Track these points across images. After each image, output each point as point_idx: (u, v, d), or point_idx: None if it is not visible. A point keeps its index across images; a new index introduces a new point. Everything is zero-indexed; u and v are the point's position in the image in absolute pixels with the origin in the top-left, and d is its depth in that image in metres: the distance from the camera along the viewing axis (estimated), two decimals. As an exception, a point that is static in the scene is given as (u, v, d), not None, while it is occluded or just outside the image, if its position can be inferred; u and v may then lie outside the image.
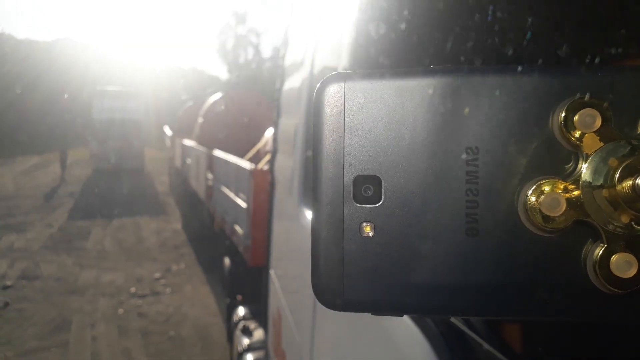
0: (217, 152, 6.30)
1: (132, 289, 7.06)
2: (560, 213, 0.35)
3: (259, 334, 3.88)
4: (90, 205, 12.79)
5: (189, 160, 9.07)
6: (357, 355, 1.12)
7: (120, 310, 6.38)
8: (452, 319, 0.71)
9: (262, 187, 3.77)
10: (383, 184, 0.39)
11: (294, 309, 1.94)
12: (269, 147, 4.37)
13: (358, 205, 0.39)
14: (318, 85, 0.41)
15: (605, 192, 0.34)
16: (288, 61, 2.43)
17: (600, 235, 0.35)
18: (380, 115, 0.39)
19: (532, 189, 0.36)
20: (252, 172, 4.23)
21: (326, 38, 1.69)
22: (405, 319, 0.80)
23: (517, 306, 0.37)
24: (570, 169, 0.36)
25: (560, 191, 0.35)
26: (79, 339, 5.59)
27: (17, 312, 6.18)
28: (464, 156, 0.37)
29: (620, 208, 0.34)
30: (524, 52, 0.54)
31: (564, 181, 0.36)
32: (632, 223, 0.34)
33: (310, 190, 0.42)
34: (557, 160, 0.36)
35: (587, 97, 0.35)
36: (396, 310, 0.40)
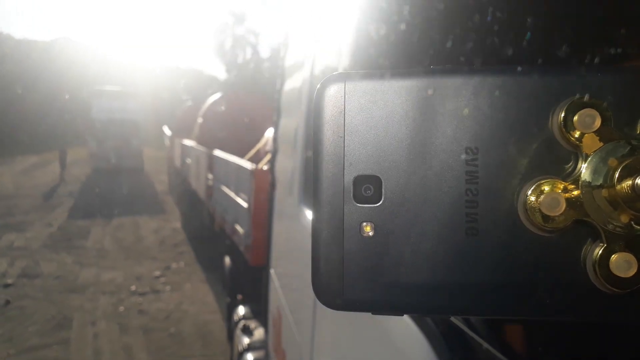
0: (218, 152, 6.30)
1: (132, 287, 7.08)
2: (560, 213, 0.35)
3: (259, 333, 3.88)
4: (89, 205, 12.80)
5: (188, 160, 9.07)
6: (357, 354, 1.12)
7: (121, 308, 6.41)
8: (452, 319, 0.71)
9: (263, 187, 3.77)
10: (383, 183, 0.39)
11: (294, 309, 1.94)
12: (269, 147, 4.37)
13: (358, 205, 0.39)
14: (318, 85, 0.41)
15: (604, 192, 0.34)
16: (288, 61, 2.43)
17: (600, 235, 0.35)
18: (380, 116, 0.39)
19: (532, 188, 0.36)
20: (253, 172, 4.23)
21: (326, 38, 1.69)
22: (405, 318, 0.80)
23: (517, 306, 0.37)
24: (570, 169, 0.36)
25: (560, 191, 0.35)
26: (80, 336, 5.61)
27: (19, 309, 6.21)
28: (463, 156, 0.37)
29: (620, 208, 0.34)
30: (524, 52, 0.54)
31: (564, 181, 0.36)
32: (632, 223, 0.34)
33: (311, 190, 0.42)
34: (556, 160, 0.36)
35: (586, 97, 0.35)
36: (396, 310, 0.40)
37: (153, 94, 24.55)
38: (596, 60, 0.46)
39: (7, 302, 6.40)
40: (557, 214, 0.35)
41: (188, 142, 9.33)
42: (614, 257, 0.34)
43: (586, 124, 0.35)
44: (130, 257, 8.53)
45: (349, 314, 0.41)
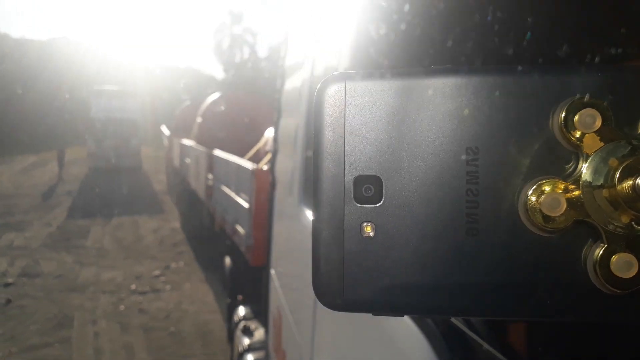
0: (218, 152, 6.30)
1: (132, 286, 7.11)
2: (561, 213, 0.35)
3: (259, 333, 3.88)
4: (88, 204, 12.82)
5: (188, 160, 9.07)
6: (357, 355, 1.12)
7: (121, 307, 6.44)
8: (452, 319, 0.71)
9: (264, 187, 3.77)
10: (384, 184, 0.39)
11: (295, 309, 1.94)
12: (269, 147, 4.37)
13: (359, 205, 0.39)
14: (319, 85, 0.41)
15: (605, 192, 0.34)
16: (288, 61, 2.43)
17: (601, 235, 0.35)
18: (380, 116, 0.39)
19: (533, 189, 0.36)
20: (254, 172, 4.23)
21: (326, 38, 1.69)
22: (405, 319, 0.80)
23: (517, 306, 0.37)
24: (571, 169, 0.36)
25: (560, 191, 0.35)
26: (81, 334, 5.64)
27: (19, 309, 6.23)
28: (464, 156, 0.37)
29: (621, 208, 0.34)
30: (524, 52, 0.54)
31: (564, 181, 0.36)
32: (633, 223, 0.34)
33: (311, 190, 0.41)
34: (557, 160, 0.36)
35: (587, 97, 0.35)
36: (396, 310, 0.40)
37: (151, 94, 24.56)
38: (596, 60, 0.46)
39: (8, 301, 6.43)
40: (557, 214, 0.35)
41: (187, 142, 9.33)
42: (614, 257, 0.34)
43: (587, 124, 0.35)
44: (130, 257, 8.54)
45: (349, 315, 0.41)
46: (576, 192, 0.35)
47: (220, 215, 5.93)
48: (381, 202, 0.39)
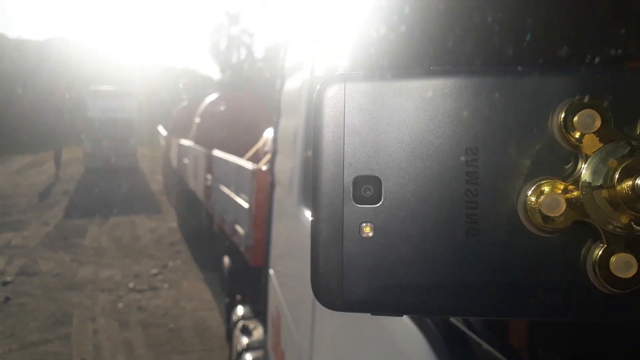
0: (217, 152, 6.30)
1: (131, 284, 7.14)
2: (560, 213, 0.35)
3: (258, 333, 3.88)
4: (85, 204, 12.82)
5: (186, 160, 9.06)
6: (356, 355, 1.12)
7: (120, 305, 6.47)
8: (452, 319, 0.71)
9: (264, 188, 3.77)
10: (383, 184, 0.39)
11: (293, 309, 1.94)
12: (268, 147, 4.37)
13: (358, 205, 0.39)
14: (318, 86, 0.41)
15: (604, 193, 0.34)
16: (288, 62, 2.43)
17: (600, 235, 0.35)
18: (380, 116, 0.39)
19: (532, 189, 0.36)
20: (254, 173, 4.22)
21: (326, 39, 1.69)
22: (405, 319, 0.80)
23: (517, 306, 0.37)
24: (570, 170, 0.36)
25: (560, 191, 0.35)
26: (81, 331, 5.67)
27: (18, 306, 6.27)
28: (463, 157, 0.37)
29: (620, 208, 0.34)
30: (524, 52, 0.54)
31: (564, 182, 0.36)
32: (632, 223, 0.34)
33: (310, 190, 0.41)
34: (556, 160, 0.36)
35: (586, 97, 0.35)
36: (396, 310, 0.40)
37: (147, 94, 24.53)
38: (596, 60, 0.46)
39: (7, 299, 6.46)
40: (557, 214, 0.35)
41: (186, 142, 9.32)
42: (613, 257, 0.34)
43: (586, 125, 0.35)
44: (128, 256, 8.56)
45: (349, 315, 0.41)
46: (575, 193, 0.35)
47: (219, 216, 5.93)
48: (380, 203, 0.39)
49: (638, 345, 0.49)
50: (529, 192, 0.36)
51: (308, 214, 1.63)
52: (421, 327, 0.75)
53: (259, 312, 3.78)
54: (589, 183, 0.35)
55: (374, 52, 1.05)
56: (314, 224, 0.40)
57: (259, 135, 5.96)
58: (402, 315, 0.41)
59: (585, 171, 0.35)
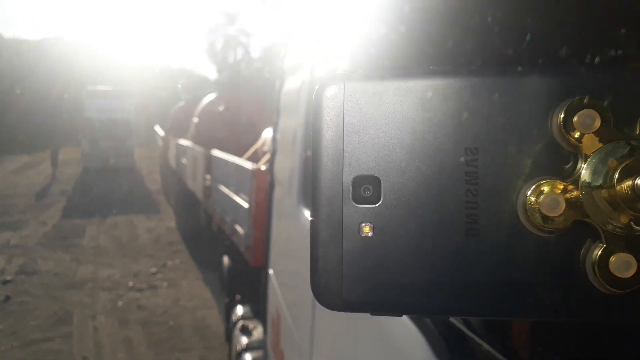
0: (216, 152, 6.30)
1: (130, 283, 7.17)
2: (560, 213, 0.35)
3: (258, 333, 3.88)
4: (83, 204, 12.83)
5: (184, 160, 9.05)
6: (356, 355, 1.12)
7: (120, 303, 6.50)
8: (452, 319, 0.71)
9: (264, 188, 3.77)
10: (382, 184, 0.39)
11: (293, 309, 1.94)
12: (267, 147, 4.37)
13: (357, 205, 0.39)
14: (318, 86, 0.41)
15: (604, 193, 0.34)
16: (288, 62, 2.43)
17: (600, 235, 0.35)
18: (379, 116, 0.39)
19: (532, 189, 0.36)
20: (254, 172, 4.22)
21: (326, 39, 1.69)
22: (405, 319, 0.80)
23: (517, 306, 0.37)
24: (570, 170, 0.36)
25: (559, 191, 0.35)
26: (81, 329, 5.70)
27: (19, 305, 6.30)
28: (463, 157, 0.37)
29: (620, 208, 0.34)
30: (524, 52, 0.54)
31: (563, 182, 0.36)
32: (631, 223, 0.34)
33: (310, 190, 0.41)
34: (556, 160, 0.36)
35: (586, 97, 0.35)
36: (395, 310, 0.40)
37: (144, 94, 24.52)
38: (596, 60, 0.46)
39: (8, 298, 6.49)
40: (556, 214, 0.35)
41: (184, 142, 9.31)
42: (613, 257, 0.34)
43: (586, 125, 0.35)
44: (126, 255, 8.58)
45: (348, 315, 0.41)
46: (575, 193, 0.35)
47: (218, 216, 5.93)
48: (380, 203, 0.39)
49: (638, 345, 0.49)
50: (529, 192, 0.36)
51: (307, 214, 1.63)
52: (421, 327, 0.75)
53: (259, 312, 3.78)
54: (589, 183, 0.35)
55: (374, 52, 1.05)
56: (314, 223, 0.40)
57: (257, 135, 5.96)
58: (401, 315, 0.41)
59: (584, 171, 0.35)
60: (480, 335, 0.65)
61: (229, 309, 4.78)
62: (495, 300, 0.37)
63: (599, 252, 0.35)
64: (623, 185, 0.33)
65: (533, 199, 0.36)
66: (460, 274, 0.37)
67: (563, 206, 0.35)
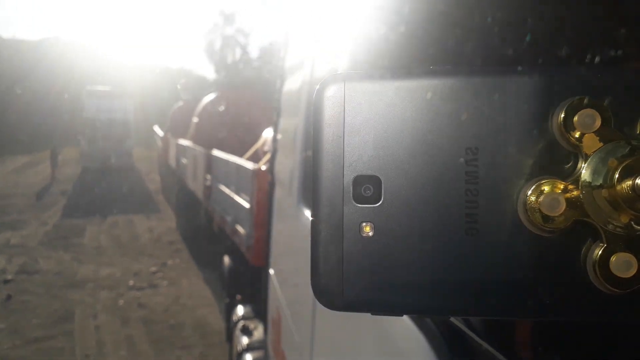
0: (217, 152, 6.30)
1: (130, 282, 7.22)
2: (560, 213, 0.35)
3: (258, 333, 3.88)
4: (83, 203, 12.86)
5: (184, 160, 9.06)
6: (356, 355, 1.12)
7: (121, 302, 6.55)
8: (452, 319, 0.71)
9: (265, 187, 3.76)
10: (383, 184, 0.39)
11: (294, 309, 1.94)
12: (268, 147, 4.37)
13: (358, 205, 0.39)
14: (318, 85, 0.41)
15: (604, 192, 0.34)
16: (288, 62, 2.43)
17: (600, 235, 0.35)
18: (380, 116, 0.39)
19: (532, 189, 0.36)
20: (255, 173, 4.22)
21: (326, 39, 1.69)
22: (405, 319, 0.80)
23: (517, 306, 0.37)
24: (570, 169, 0.36)
25: (560, 191, 0.35)
26: (83, 328, 5.75)
27: (21, 304, 6.35)
28: (463, 156, 0.37)
29: (620, 208, 0.34)
30: (524, 52, 0.54)
31: (564, 181, 0.36)
32: (632, 223, 0.34)
33: (310, 190, 0.41)
34: (556, 160, 0.36)
35: (586, 97, 0.35)
36: (396, 310, 0.40)
37: (142, 94, 24.51)
38: (596, 60, 0.46)
39: (9, 297, 6.53)
40: (557, 214, 0.35)
41: (184, 142, 9.31)
42: (614, 257, 0.34)
43: (586, 124, 0.35)
44: (127, 254, 8.61)
45: (349, 314, 0.41)
46: (575, 192, 0.35)
47: (219, 216, 5.93)
48: (380, 202, 0.39)
49: (638, 345, 0.49)
50: (529, 192, 0.36)
51: (308, 214, 1.63)
52: (421, 327, 0.75)
53: (260, 312, 3.78)
54: (589, 183, 0.35)
55: (374, 52, 1.05)
56: (314, 223, 0.40)
57: (257, 135, 5.96)
58: (402, 315, 0.41)
59: (585, 171, 0.35)
60: (480, 335, 0.65)
61: (230, 309, 4.79)
62: (496, 300, 0.37)
63: (600, 252, 0.35)
64: (623, 185, 0.33)
65: (533, 198, 0.36)
66: (461, 273, 0.37)
67: (563, 206, 0.35)
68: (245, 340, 3.87)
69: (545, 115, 0.36)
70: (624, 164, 0.34)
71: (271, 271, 2.45)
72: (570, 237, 0.36)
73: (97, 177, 17.30)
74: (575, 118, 0.35)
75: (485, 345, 0.63)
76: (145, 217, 11.59)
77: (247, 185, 4.48)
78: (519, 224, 0.36)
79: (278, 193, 2.37)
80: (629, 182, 0.33)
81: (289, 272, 2.10)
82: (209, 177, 6.62)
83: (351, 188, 0.39)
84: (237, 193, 4.94)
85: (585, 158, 0.35)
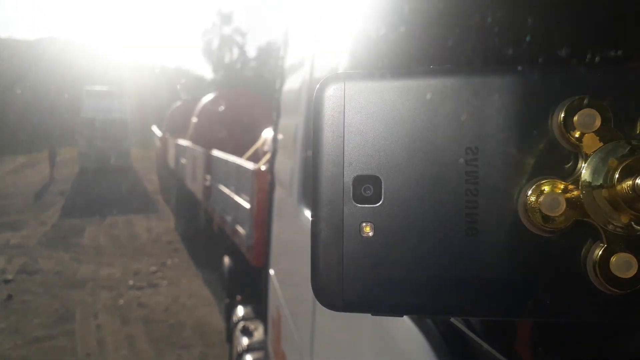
0: (217, 152, 6.29)
1: (130, 282, 7.23)
2: (560, 213, 0.35)
3: (258, 334, 3.87)
4: (82, 204, 12.85)
5: (183, 160, 9.05)
6: (356, 355, 1.12)
7: (121, 301, 6.56)
8: (452, 319, 0.71)
9: (265, 188, 3.76)
10: (383, 183, 0.39)
11: (294, 309, 1.94)
12: (267, 147, 4.36)
13: (358, 205, 0.39)
14: (318, 85, 0.41)
15: (605, 192, 0.34)
16: (288, 61, 2.43)
17: (600, 235, 0.35)
18: (380, 116, 0.39)
19: (532, 189, 0.36)
20: (255, 173, 4.22)
21: (326, 38, 1.69)
22: (405, 319, 0.80)
23: (517, 306, 0.37)
24: (570, 169, 0.36)
25: (560, 191, 0.35)
26: (84, 327, 5.76)
27: (21, 303, 6.36)
28: (463, 156, 0.37)
29: (620, 208, 0.34)
30: (524, 52, 0.54)
31: (564, 181, 0.36)
32: (632, 223, 0.34)
33: (310, 190, 0.41)
34: (556, 160, 0.36)
35: (586, 97, 0.35)
36: (396, 310, 0.40)
37: (139, 94, 24.51)
38: (596, 60, 0.46)
39: (10, 297, 6.54)
40: (557, 214, 0.35)
41: (183, 142, 9.31)
42: (614, 257, 0.34)
43: (586, 124, 0.35)
44: (126, 254, 8.63)
45: (349, 315, 0.41)
46: (576, 192, 0.35)
47: (219, 216, 5.93)
48: (380, 202, 0.39)
49: (638, 345, 0.49)
50: (529, 192, 0.36)
51: (308, 214, 1.63)
52: (421, 327, 0.75)
53: (260, 312, 3.77)
54: (589, 183, 0.35)
55: (374, 51, 1.05)
56: (314, 223, 0.40)
57: (256, 135, 5.96)
58: (402, 316, 0.41)
59: (585, 171, 0.35)
60: (480, 335, 0.65)
61: (230, 310, 4.79)
62: (496, 300, 0.37)
63: (600, 252, 0.35)
64: (623, 185, 0.33)
65: (533, 198, 0.36)
66: (461, 273, 0.37)
67: (564, 206, 0.35)
68: (245, 341, 3.86)
69: (545, 115, 0.36)
70: (624, 164, 0.33)
71: (271, 271, 2.45)
72: (570, 237, 0.36)
73: (95, 177, 17.30)
74: (575, 118, 0.35)
75: (485, 345, 0.63)
76: (143, 217, 11.60)
77: (248, 186, 4.48)
78: (519, 224, 0.36)
79: (278, 193, 2.37)
80: (629, 182, 0.33)
81: (289, 273, 2.10)
82: (208, 177, 6.62)
83: (351, 188, 0.39)
84: (237, 193, 4.94)
85: (585, 158, 0.35)
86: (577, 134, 0.35)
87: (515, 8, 0.59)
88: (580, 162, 0.35)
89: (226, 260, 5.45)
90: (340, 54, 1.38)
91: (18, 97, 24.60)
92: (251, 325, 4.05)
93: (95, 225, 10.69)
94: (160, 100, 21.12)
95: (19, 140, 22.38)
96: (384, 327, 0.91)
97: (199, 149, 7.43)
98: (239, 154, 5.80)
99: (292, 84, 2.26)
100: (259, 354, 3.57)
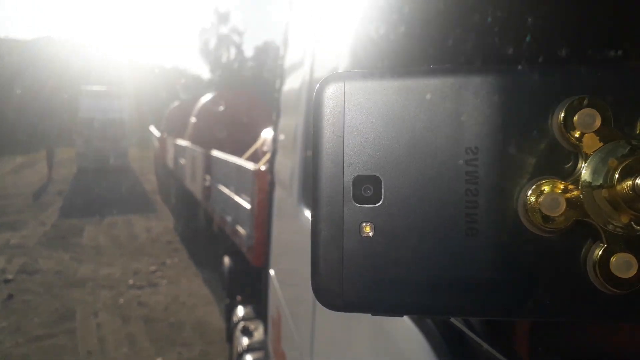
0: (216, 153, 6.29)
1: (130, 281, 7.24)
2: (560, 213, 0.35)
3: (259, 334, 3.87)
4: (81, 203, 12.85)
5: (182, 161, 9.05)
6: (356, 355, 1.12)
7: (121, 300, 6.57)
8: (452, 319, 0.71)
9: (265, 188, 3.76)
10: (383, 183, 0.39)
11: (294, 310, 1.94)
12: (267, 147, 4.36)
13: (358, 205, 0.39)
14: (318, 85, 0.41)
15: (604, 192, 0.34)
16: (288, 61, 2.43)
17: (600, 235, 0.35)
18: (380, 115, 0.39)
19: (532, 189, 0.36)
20: (256, 173, 4.22)
21: (326, 38, 1.69)
22: (405, 319, 0.80)
23: (517, 306, 0.37)
24: (570, 169, 0.36)
25: (560, 191, 0.35)
26: (85, 326, 5.78)
27: (22, 303, 6.36)
28: (463, 156, 0.37)
29: (620, 208, 0.34)
30: (524, 52, 0.54)
31: (564, 181, 0.36)
32: (632, 223, 0.34)
33: (310, 190, 0.41)
34: (556, 160, 0.36)
35: (586, 97, 0.35)
36: (396, 310, 0.40)
37: (137, 94, 24.53)
38: (596, 60, 0.46)
39: (10, 296, 6.55)
40: (557, 214, 0.35)
41: (183, 142, 9.31)
42: (614, 257, 0.34)
43: (586, 124, 0.34)
44: (126, 254, 8.64)
45: (349, 315, 0.41)
46: (575, 192, 0.35)
47: (219, 216, 5.93)
48: (380, 202, 0.39)
49: (638, 345, 0.49)
50: (529, 192, 0.36)
51: (308, 214, 1.63)
52: (421, 327, 0.75)
53: (260, 312, 3.77)
54: (589, 182, 0.35)
55: (374, 51, 1.05)
56: (314, 223, 0.40)
57: (255, 135, 5.96)
58: (402, 316, 0.41)
59: (585, 171, 0.35)
60: (480, 335, 0.65)
61: (230, 310, 4.79)
62: (496, 300, 0.37)
63: (600, 252, 0.35)
64: (623, 185, 0.33)
65: (533, 198, 0.36)
66: (461, 273, 0.37)
67: (564, 206, 0.35)
68: (245, 341, 3.86)
69: (545, 115, 0.36)
70: (624, 164, 0.33)
71: (271, 271, 2.45)
72: (570, 238, 0.36)
73: (94, 177, 17.28)
74: (575, 118, 0.35)
75: (485, 345, 0.63)
76: (142, 217, 11.60)
77: (248, 186, 4.48)
78: (519, 224, 0.36)
79: (278, 193, 2.37)
80: (629, 182, 0.33)
81: (289, 273, 2.10)
82: (208, 177, 6.62)
83: (351, 188, 0.39)
84: (237, 193, 4.94)
85: (585, 158, 0.35)
86: (577, 134, 0.35)
87: (515, 8, 0.59)
88: (580, 162, 0.35)
89: (226, 260, 5.45)
90: (340, 54, 1.38)
91: (16, 97, 24.60)
92: (251, 325, 4.05)
93: (95, 225, 10.70)
94: (158, 100, 21.13)
95: (17, 140, 22.38)
96: (384, 327, 0.91)
97: (198, 149, 7.43)
98: (238, 154, 5.80)
99: (292, 83, 2.26)
100: (259, 354, 3.57)
